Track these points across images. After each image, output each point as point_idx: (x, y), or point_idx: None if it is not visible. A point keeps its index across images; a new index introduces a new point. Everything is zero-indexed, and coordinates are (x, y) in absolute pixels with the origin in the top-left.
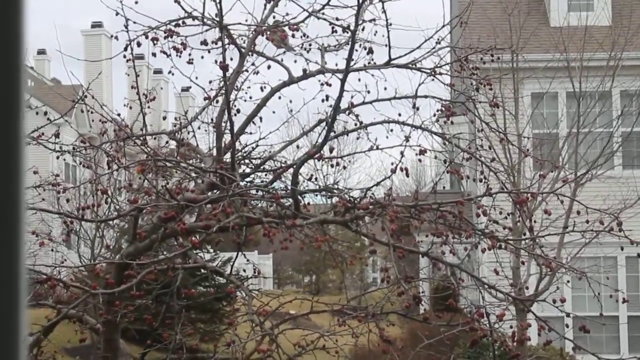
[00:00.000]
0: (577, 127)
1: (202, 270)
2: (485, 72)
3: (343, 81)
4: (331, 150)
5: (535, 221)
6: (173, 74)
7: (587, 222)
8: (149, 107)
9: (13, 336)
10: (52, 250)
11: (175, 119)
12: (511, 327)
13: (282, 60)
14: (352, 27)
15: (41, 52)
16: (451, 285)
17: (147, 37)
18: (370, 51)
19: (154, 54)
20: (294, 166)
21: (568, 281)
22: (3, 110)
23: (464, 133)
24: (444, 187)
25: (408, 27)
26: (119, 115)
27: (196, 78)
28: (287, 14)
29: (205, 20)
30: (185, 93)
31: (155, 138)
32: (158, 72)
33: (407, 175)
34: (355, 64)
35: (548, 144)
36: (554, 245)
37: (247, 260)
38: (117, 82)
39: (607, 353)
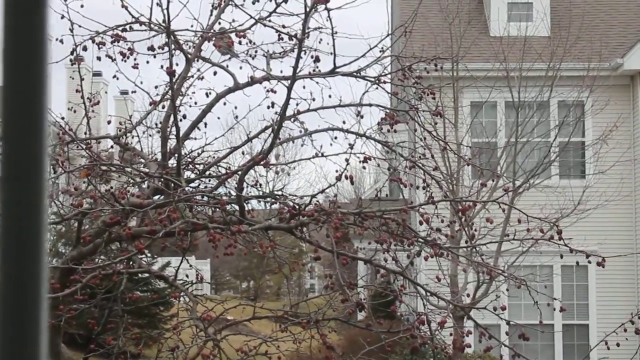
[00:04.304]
0: (515, 136)
1: (140, 275)
2: (426, 81)
3: (290, 88)
4: (277, 157)
5: (475, 229)
6: (118, 79)
7: (528, 230)
8: (92, 110)
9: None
10: None
11: (120, 123)
12: (451, 334)
13: (227, 66)
14: (299, 35)
15: None
16: (392, 292)
17: (93, 42)
18: (317, 59)
19: (98, 58)
20: (239, 172)
21: (507, 289)
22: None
23: (405, 142)
24: (386, 195)
25: (353, 36)
26: (62, 118)
27: (141, 83)
28: (234, 20)
29: (152, 25)
30: (124, 96)
31: (98, 142)
32: (97, 74)
33: (352, 183)
34: (300, 71)
35: (487, 153)
36: (491, 254)
37: (190, 265)
38: (54, 83)
39: None
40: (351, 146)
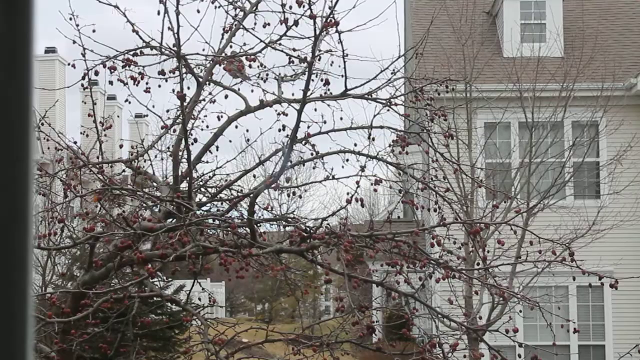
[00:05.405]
0: (529, 157)
1: (155, 298)
2: (439, 102)
3: (300, 112)
4: (288, 180)
5: (488, 251)
6: (130, 102)
7: (540, 252)
8: (105, 134)
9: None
10: None
11: (132, 147)
12: (465, 356)
13: (239, 89)
14: (308, 59)
15: None
16: (404, 314)
17: (105, 66)
18: (327, 83)
19: (110, 82)
20: (251, 195)
21: (520, 311)
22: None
23: (418, 163)
24: (398, 217)
25: (364, 58)
26: (75, 143)
27: (153, 106)
28: (245, 44)
29: (163, 50)
30: (139, 119)
31: (111, 166)
32: (112, 98)
33: (363, 206)
34: (311, 94)
35: (500, 173)
36: (506, 275)
37: (203, 289)
38: (69, 108)
39: None
40: (362, 168)
